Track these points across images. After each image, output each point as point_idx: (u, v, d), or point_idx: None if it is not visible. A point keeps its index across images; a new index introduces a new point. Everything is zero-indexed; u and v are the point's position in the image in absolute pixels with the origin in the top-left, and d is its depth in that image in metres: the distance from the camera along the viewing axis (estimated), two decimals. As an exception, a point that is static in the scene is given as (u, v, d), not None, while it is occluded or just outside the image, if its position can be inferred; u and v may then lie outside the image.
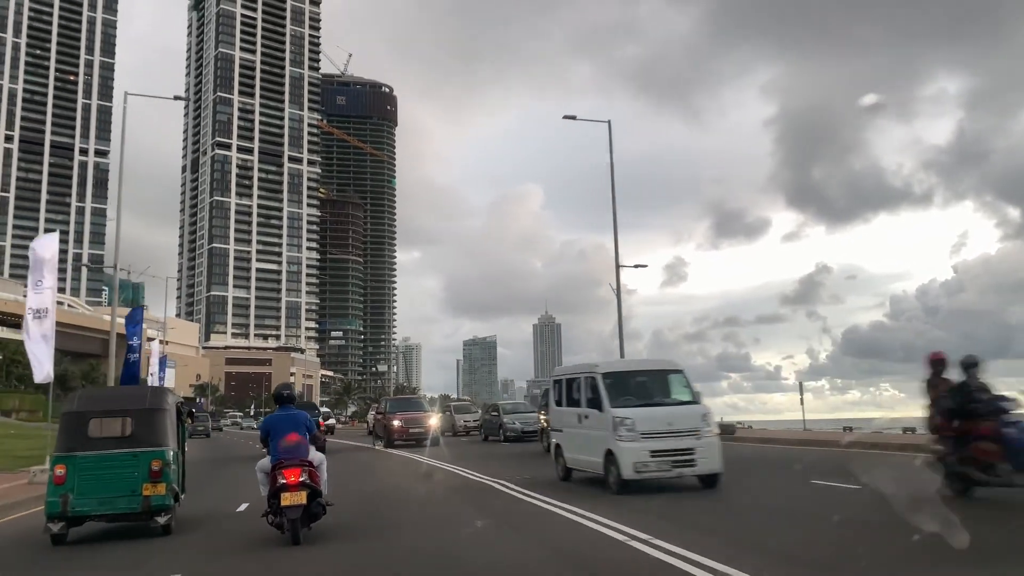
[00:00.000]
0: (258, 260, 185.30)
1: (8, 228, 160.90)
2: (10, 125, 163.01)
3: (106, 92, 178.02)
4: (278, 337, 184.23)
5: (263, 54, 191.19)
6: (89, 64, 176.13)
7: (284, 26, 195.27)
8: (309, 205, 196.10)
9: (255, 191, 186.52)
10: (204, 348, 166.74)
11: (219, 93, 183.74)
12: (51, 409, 22.58)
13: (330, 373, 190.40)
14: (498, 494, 12.57)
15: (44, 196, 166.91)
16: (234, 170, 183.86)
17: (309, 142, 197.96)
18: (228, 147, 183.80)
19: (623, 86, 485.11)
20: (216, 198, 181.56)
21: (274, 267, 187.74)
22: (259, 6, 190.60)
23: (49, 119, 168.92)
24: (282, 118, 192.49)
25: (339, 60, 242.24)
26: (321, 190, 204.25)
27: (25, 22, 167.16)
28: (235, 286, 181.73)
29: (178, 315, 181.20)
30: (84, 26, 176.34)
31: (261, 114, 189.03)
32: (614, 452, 11.50)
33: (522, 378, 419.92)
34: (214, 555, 8.24)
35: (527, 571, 6.94)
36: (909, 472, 11.33)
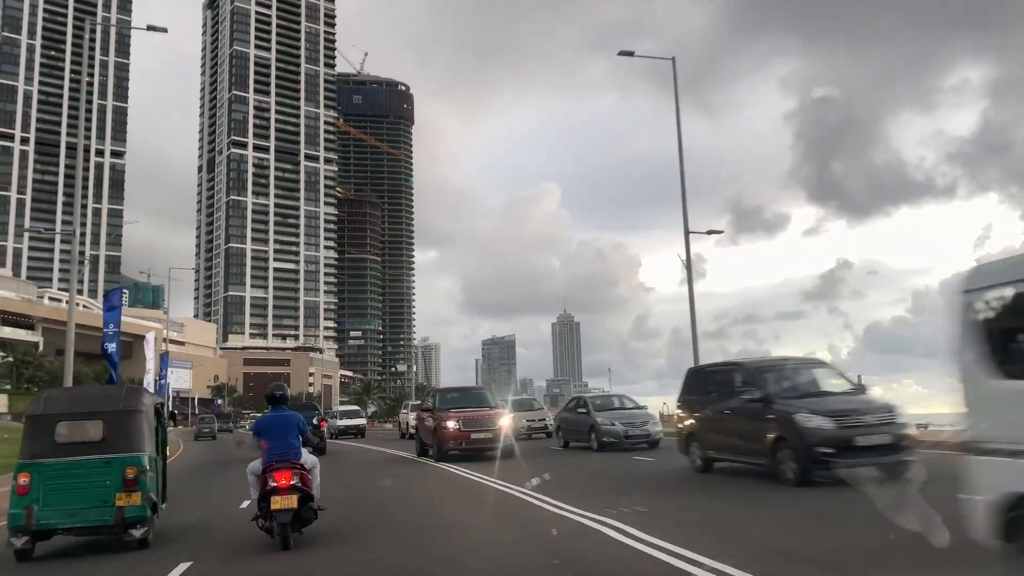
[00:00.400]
0: (275, 260, 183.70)
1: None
2: (25, 127, 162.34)
3: (121, 93, 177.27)
4: (296, 337, 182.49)
5: (278, 52, 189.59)
6: (104, 65, 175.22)
7: (299, 23, 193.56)
8: (326, 204, 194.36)
9: (271, 190, 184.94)
10: (222, 349, 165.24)
11: (234, 92, 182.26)
12: None
13: (349, 373, 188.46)
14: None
15: (60, 197, 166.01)
16: (250, 169, 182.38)
17: (325, 140, 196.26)
18: (244, 146, 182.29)
19: (639, 83, 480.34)
20: (232, 197, 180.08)
21: (292, 266, 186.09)
22: (273, 3, 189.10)
23: (64, 120, 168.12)
24: (298, 116, 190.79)
25: (355, 59, 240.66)
26: (338, 189, 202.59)
27: (40, 24, 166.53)
28: (253, 286, 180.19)
29: (196, 316, 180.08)
30: (99, 27, 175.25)
31: (277, 112, 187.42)
32: None
33: (541, 377, 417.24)
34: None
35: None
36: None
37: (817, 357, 13.34)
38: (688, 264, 24.18)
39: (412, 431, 28.73)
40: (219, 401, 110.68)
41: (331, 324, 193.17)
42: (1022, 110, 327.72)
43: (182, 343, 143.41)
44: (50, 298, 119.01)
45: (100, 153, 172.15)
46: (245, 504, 10.34)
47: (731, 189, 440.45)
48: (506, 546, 8.05)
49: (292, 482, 7.78)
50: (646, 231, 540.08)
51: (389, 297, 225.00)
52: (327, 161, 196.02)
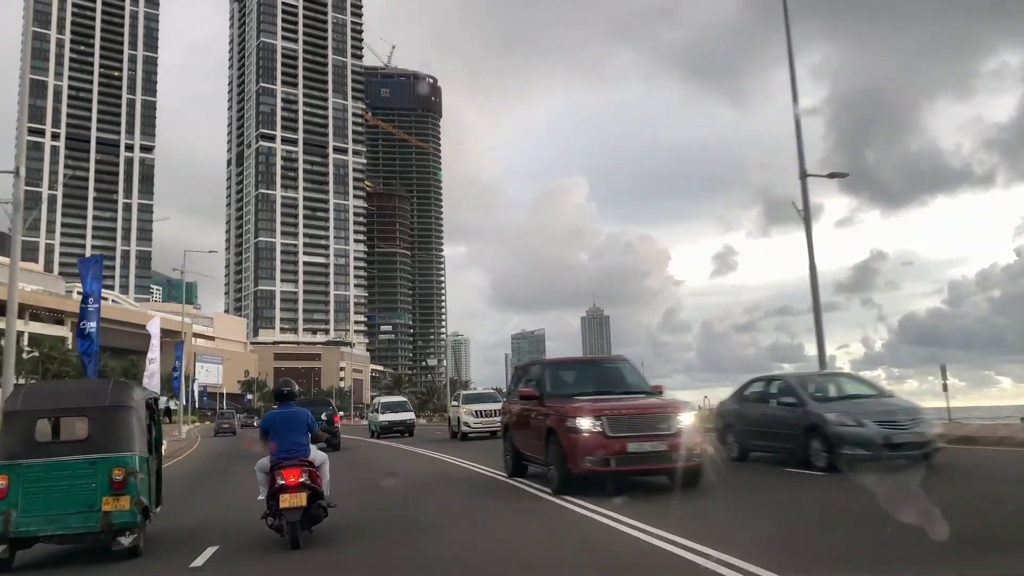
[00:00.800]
0: (305, 253, 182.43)
1: (57, 226, 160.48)
2: (56, 122, 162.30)
3: (150, 87, 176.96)
4: (327, 331, 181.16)
5: (305, 42, 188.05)
6: (133, 59, 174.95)
7: (326, 13, 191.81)
8: (355, 197, 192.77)
9: (300, 183, 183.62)
10: (252, 343, 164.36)
11: (262, 84, 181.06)
12: None
13: (380, 367, 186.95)
14: None
15: (91, 193, 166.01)
16: (279, 162, 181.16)
17: (354, 132, 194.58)
18: (272, 139, 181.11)
19: (667, 72, 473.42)
20: (261, 191, 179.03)
21: (321, 260, 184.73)
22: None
23: (95, 115, 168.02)
24: (326, 108, 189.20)
25: (382, 53, 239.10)
26: (367, 183, 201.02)
27: (69, 19, 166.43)
28: (283, 280, 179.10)
29: (227, 311, 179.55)
30: (127, 21, 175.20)
31: (305, 104, 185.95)
32: None
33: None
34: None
35: None
36: None
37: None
38: (806, 209, 20.24)
39: (465, 429, 27.16)
40: (249, 396, 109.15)
41: (361, 318, 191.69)
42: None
43: (212, 338, 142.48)
44: (79, 293, 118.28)
45: (130, 148, 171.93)
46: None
47: (762, 179, 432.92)
48: None
49: (301, 479, 7.68)
50: (675, 223, 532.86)
51: (419, 291, 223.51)
52: (355, 153, 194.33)
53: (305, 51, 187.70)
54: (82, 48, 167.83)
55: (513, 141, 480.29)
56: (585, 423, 10.06)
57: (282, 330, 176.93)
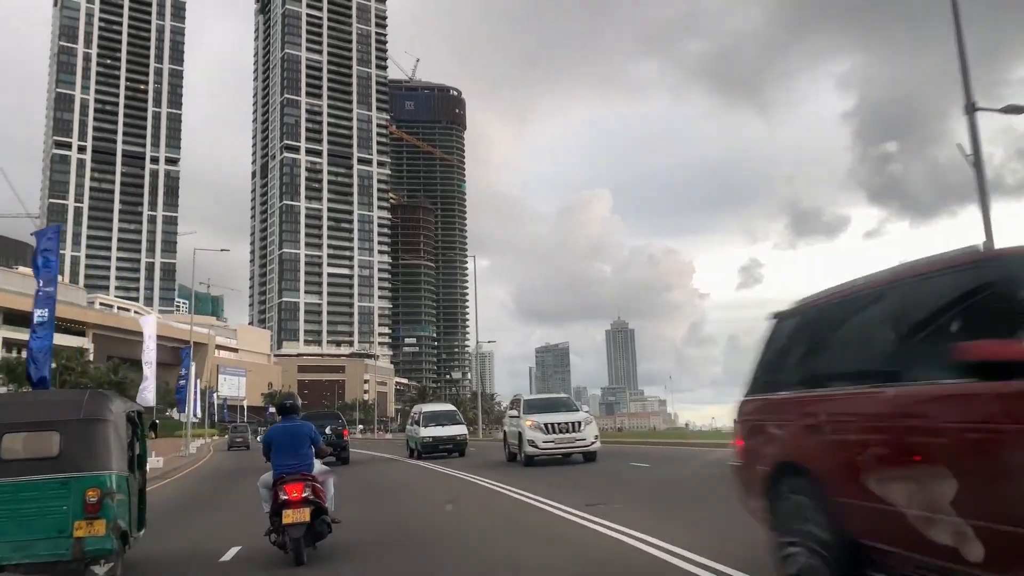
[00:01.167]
0: (329, 265, 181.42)
1: (83, 238, 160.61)
2: (82, 135, 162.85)
3: (175, 100, 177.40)
4: (351, 343, 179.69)
5: (330, 54, 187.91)
6: (159, 72, 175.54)
7: (350, 24, 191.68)
8: (380, 208, 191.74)
9: (325, 194, 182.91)
10: (276, 356, 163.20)
11: (286, 95, 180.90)
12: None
13: (404, 380, 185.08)
14: None
15: (117, 206, 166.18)
16: (303, 173, 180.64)
17: (378, 144, 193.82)
18: (296, 150, 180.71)
19: (691, 83, 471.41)
20: (286, 202, 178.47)
21: (345, 271, 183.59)
22: (324, 5, 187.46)
23: (120, 128, 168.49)
24: (350, 119, 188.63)
25: (406, 66, 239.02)
26: (391, 195, 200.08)
27: (96, 32, 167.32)
28: (307, 292, 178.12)
29: (251, 323, 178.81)
30: (153, 35, 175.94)
31: (329, 115, 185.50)
32: None
33: (596, 385, 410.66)
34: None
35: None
36: None
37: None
38: (976, 151, 16.92)
39: (531, 451, 19.13)
40: (271, 409, 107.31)
41: (385, 330, 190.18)
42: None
43: (235, 350, 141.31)
44: (101, 303, 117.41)
45: (155, 160, 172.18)
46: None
47: (788, 191, 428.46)
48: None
49: (304, 495, 7.55)
50: (699, 235, 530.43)
51: (443, 304, 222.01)
52: (380, 164, 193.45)
53: (330, 62, 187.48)
54: (108, 62, 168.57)
55: (536, 154, 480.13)
56: None
57: (306, 342, 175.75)
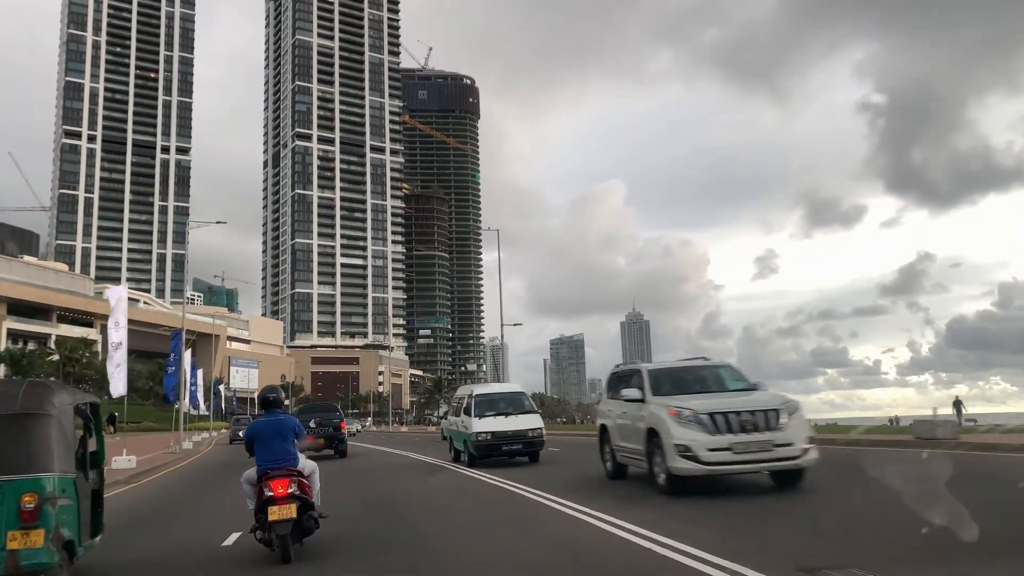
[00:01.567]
0: (342, 255, 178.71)
1: (93, 229, 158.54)
2: (92, 125, 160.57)
3: (186, 88, 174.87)
4: (365, 335, 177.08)
5: (341, 39, 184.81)
6: (168, 60, 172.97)
7: (362, 9, 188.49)
8: (393, 197, 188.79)
9: (337, 183, 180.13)
10: (289, 347, 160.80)
11: (298, 82, 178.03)
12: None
13: (419, 372, 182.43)
14: None
15: (127, 196, 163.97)
16: (315, 162, 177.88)
17: (391, 132, 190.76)
18: (308, 138, 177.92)
19: (706, 72, 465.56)
20: (298, 191, 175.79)
21: (359, 262, 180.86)
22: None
23: (131, 117, 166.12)
24: (362, 106, 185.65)
25: (419, 55, 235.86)
26: (405, 186, 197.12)
27: (105, 20, 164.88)
28: (320, 282, 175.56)
29: (264, 315, 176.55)
30: (163, 22, 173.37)
31: (341, 102, 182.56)
32: None
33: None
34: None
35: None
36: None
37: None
38: None
39: (686, 467, 9.90)
40: (285, 402, 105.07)
41: (400, 321, 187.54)
42: None
43: (248, 341, 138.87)
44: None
45: (165, 150, 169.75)
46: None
47: (804, 181, 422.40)
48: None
49: (290, 490, 7.33)
50: (714, 227, 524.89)
51: (457, 295, 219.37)
52: (393, 152, 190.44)
53: (341, 48, 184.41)
54: (118, 50, 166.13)
55: (549, 145, 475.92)
56: None
57: (320, 334, 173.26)
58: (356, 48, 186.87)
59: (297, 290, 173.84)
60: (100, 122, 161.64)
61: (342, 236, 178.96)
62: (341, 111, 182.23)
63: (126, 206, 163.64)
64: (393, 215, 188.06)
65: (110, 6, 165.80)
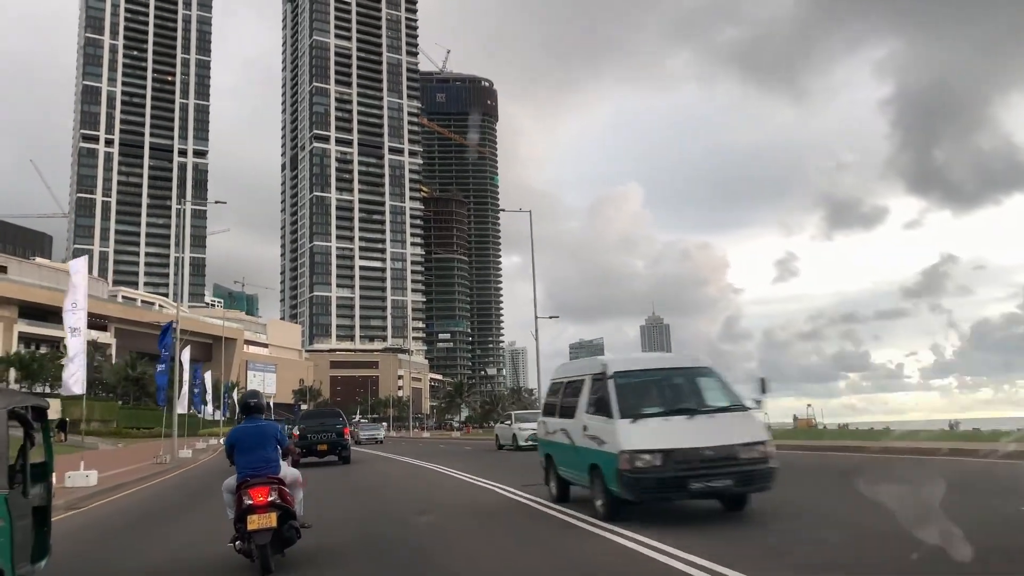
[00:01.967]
0: (361, 258, 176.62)
1: (111, 234, 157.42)
2: (109, 129, 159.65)
3: (203, 91, 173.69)
4: (384, 339, 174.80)
5: (359, 40, 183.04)
6: (186, 63, 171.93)
7: (380, 10, 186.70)
8: (412, 199, 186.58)
9: (355, 185, 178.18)
10: (308, 351, 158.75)
11: (315, 84, 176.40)
12: None
13: (439, 376, 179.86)
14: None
15: (145, 200, 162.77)
16: (333, 164, 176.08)
17: (409, 132, 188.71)
18: (326, 140, 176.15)
19: (724, 72, 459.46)
20: (316, 194, 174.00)
21: (378, 264, 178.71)
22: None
23: (148, 121, 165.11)
24: (380, 107, 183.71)
25: (437, 58, 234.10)
26: (424, 188, 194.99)
27: (122, 24, 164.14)
28: (338, 285, 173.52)
29: (282, 318, 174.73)
30: (180, 25, 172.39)
31: (359, 104, 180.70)
32: None
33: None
34: None
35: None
36: None
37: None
38: None
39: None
40: (302, 405, 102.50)
41: (419, 325, 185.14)
42: None
43: (266, 345, 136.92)
44: (124, 296, 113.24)
45: (183, 153, 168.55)
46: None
47: (824, 181, 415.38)
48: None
49: (270, 499, 7.09)
50: (733, 229, 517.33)
51: (477, 299, 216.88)
52: (412, 154, 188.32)
53: (359, 49, 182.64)
54: (135, 53, 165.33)
55: (567, 147, 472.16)
56: None
57: (338, 337, 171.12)
58: (374, 48, 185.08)
59: (315, 293, 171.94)
60: (117, 126, 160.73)
61: (361, 239, 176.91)
62: (359, 112, 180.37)
63: (143, 210, 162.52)
64: (412, 217, 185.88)
65: (127, 10, 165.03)
